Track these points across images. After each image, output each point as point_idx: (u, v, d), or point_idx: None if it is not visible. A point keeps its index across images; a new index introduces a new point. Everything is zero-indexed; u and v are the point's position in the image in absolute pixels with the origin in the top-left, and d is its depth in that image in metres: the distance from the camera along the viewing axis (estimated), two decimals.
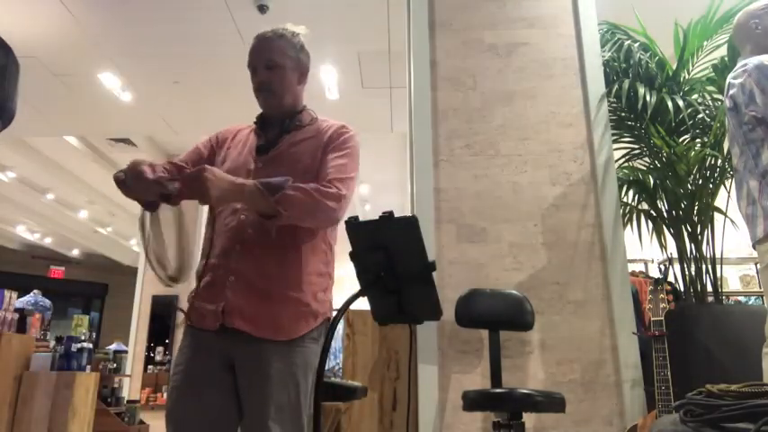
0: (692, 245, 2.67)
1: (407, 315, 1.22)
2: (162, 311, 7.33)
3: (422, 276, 1.19)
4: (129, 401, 5.47)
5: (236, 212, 1.47)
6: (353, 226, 1.19)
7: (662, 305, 2.16)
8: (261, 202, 1.36)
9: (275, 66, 1.57)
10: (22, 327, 3.57)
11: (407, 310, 1.21)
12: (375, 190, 8.83)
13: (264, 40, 1.59)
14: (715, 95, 2.83)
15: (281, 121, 1.60)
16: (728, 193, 2.66)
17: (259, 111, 1.66)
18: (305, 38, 1.66)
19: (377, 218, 1.19)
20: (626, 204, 2.98)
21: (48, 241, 12.50)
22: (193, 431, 1.37)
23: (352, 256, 1.21)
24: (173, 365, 1.48)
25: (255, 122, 1.66)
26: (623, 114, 2.93)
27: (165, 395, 6.99)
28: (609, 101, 2.84)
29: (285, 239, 1.44)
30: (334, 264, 1.58)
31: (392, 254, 1.17)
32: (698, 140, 2.78)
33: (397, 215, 1.18)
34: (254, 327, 1.39)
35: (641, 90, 2.72)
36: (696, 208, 2.69)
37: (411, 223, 1.16)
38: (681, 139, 2.81)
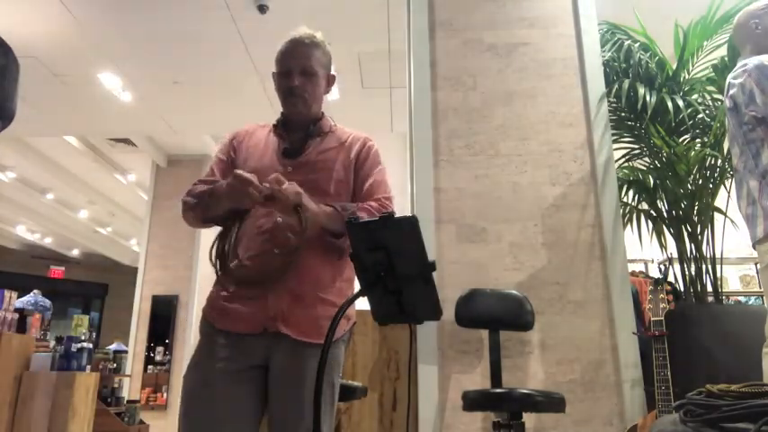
0: (692, 245, 2.67)
1: (408, 315, 1.21)
2: (162, 311, 7.32)
3: (422, 276, 1.18)
4: (129, 401, 5.47)
5: (271, 215, 1.47)
6: (354, 226, 1.19)
7: (662, 305, 2.16)
8: (337, 223, 1.43)
9: (311, 73, 1.60)
10: (22, 327, 3.57)
11: (408, 310, 1.21)
12: None
13: (303, 45, 1.61)
14: (715, 95, 2.83)
15: (305, 125, 1.63)
16: (728, 193, 2.66)
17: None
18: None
19: (377, 218, 1.19)
20: (626, 204, 2.98)
21: (48, 241, 12.49)
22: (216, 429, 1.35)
23: (353, 256, 1.21)
24: (190, 365, 1.44)
25: (276, 124, 1.68)
26: (623, 114, 2.93)
27: (165, 395, 6.98)
28: (609, 101, 2.84)
29: (324, 246, 1.47)
30: None
31: (392, 254, 1.16)
32: (698, 140, 2.78)
33: (397, 215, 1.18)
34: (296, 330, 1.40)
35: (641, 90, 2.71)
36: (696, 208, 2.69)
37: (411, 223, 1.15)
38: (681, 139, 2.81)
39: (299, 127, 1.63)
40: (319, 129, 1.64)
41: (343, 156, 1.60)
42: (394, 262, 1.17)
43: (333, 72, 1.70)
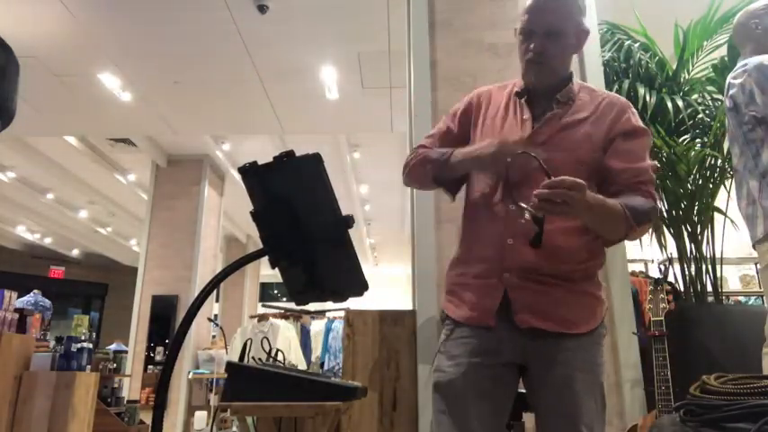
0: (692, 245, 2.67)
1: (324, 289, 0.98)
2: (162, 311, 7.31)
3: (334, 235, 0.93)
4: (129, 401, 5.47)
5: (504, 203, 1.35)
6: (249, 174, 0.94)
7: (662, 305, 2.16)
8: (617, 227, 1.25)
9: (557, 32, 1.39)
10: (22, 327, 3.57)
11: (323, 283, 0.96)
12: (375, 190, 8.82)
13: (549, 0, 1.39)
14: (715, 95, 2.83)
15: (550, 93, 1.42)
16: (728, 193, 2.66)
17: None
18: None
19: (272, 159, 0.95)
20: None
21: (48, 241, 12.49)
22: None
23: (254, 215, 0.98)
24: (444, 367, 1.36)
25: (518, 93, 1.47)
26: None
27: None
28: None
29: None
30: None
31: (296, 207, 0.93)
32: (698, 140, 2.78)
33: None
34: (547, 323, 1.29)
35: (641, 90, 2.71)
36: (696, 208, 2.69)
37: (312, 162, 0.90)
38: (681, 139, 2.81)
39: (544, 95, 1.41)
40: (570, 95, 1.41)
41: (593, 131, 1.35)
42: (299, 218, 0.92)
43: (585, 27, 1.44)
